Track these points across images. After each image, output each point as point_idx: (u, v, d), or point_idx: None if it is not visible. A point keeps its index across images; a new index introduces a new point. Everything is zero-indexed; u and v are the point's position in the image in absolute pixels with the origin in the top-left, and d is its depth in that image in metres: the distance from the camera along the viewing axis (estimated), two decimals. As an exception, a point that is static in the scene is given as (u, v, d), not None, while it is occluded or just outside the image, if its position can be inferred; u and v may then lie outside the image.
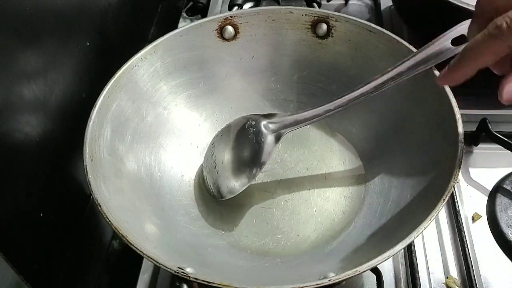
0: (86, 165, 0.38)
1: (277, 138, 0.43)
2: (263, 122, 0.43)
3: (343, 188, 0.46)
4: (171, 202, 0.46)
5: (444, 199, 0.35)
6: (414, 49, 0.45)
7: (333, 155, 0.49)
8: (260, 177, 0.46)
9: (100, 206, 0.35)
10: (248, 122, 0.44)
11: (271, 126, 0.43)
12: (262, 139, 0.43)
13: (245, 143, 0.44)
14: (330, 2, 0.74)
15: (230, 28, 0.50)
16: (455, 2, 0.49)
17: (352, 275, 0.31)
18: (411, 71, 0.40)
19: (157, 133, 0.48)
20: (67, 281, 0.44)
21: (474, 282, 0.42)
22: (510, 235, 0.46)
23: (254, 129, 0.43)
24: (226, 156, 0.44)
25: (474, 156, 0.54)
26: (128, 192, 0.42)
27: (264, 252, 0.43)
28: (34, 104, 0.40)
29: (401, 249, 0.32)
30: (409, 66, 0.40)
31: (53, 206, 0.43)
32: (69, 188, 0.47)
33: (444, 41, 0.38)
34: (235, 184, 0.43)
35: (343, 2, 0.75)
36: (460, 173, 0.37)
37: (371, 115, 0.49)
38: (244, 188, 0.43)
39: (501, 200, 0.48)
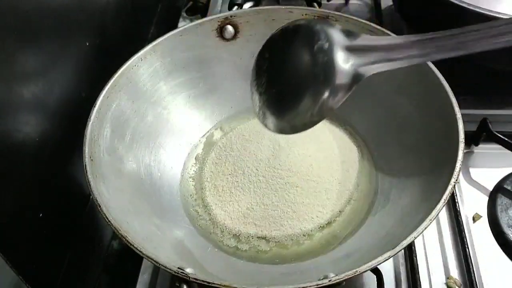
0: (85, 165, 0.38)
1: (355, 80, 0.30)
2: (341, 53, 0.30)
3: (344, 189, 0.46)
4: (171, 202, 0.46)
5: (444, 200, 0.35)
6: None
7: (335, 157, 0.49)
8: (262, 174, 0.46)
9: (100, 206, 0.35)
10: (320, 43, 0.30)
11: (352, 59, 0.30)
12: (334, 78, 0.30)
13: (307, 78, 0.31)
14: (330, 2, 0.74)
15: (230, 28, 0.50)
16: (456, 1, 0.49)
17: (352, 275, 0.31)
18: None
19: (157, 133, 0.48)
20: (66, 281, 0.44)
21: (474, 282, 0.42)
22: (511, 235, 0.46)
23: (326, 58, 0.30)
24: (278, 85, 0.33)
25: (474, 156, 0.54)
26: (127, 192, 0.42)
27: (264, 252, 0.43)
28: (33, 104, 0.40)
29: (401, 250, 0.32)
30: None
31: (53, 207, 0.43)
32: (68, 188, 0.47)
33: None
34: (284, 125, 0.34)
35: (343, 1, 0.75)
36: (460, 173, 0.37)
37: (372, 115, 0.49)
38: (292, 133, 0.35)
39: (501, 200, 0.48)
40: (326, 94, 0.30)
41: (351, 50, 0.30)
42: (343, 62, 0.30)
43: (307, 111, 0.32)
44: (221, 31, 0.50)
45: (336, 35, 0.30)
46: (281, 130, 0.34)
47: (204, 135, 0.52)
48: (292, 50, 0.32)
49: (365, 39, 0.30)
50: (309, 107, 0.31)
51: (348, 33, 0.31)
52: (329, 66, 0.30)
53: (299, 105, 0.32)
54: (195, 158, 0.50)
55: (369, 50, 0.30)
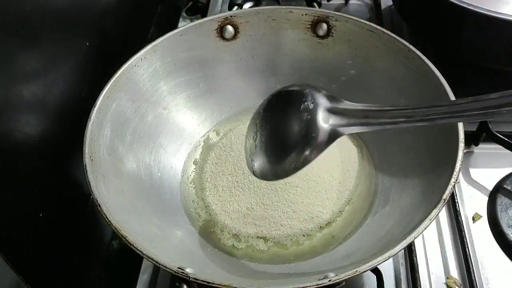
0: (85, 165, 0.38)
1: (332, 138, 0.34)
2: (323, 114, 0.34)
3: (344, 189, 0.46)
4: (171, 202, 0.46)
5: (444, 199, 0.35)
6: (414, 49, 0.44)
7: (335, 157, 0.49)
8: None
9: (100, 206, 0.35)
10: (306, 104, 0.35)
11: (331, 120, 0.34)
12: (314, 135, 0.34)
13: (291, 131, 0.36)
14: (330, 2, 0.74)
15: (230, 28, 0.50)
16: (456, 2, 0.49)
17: (352, 275, 0.31)
18: None
19: (157, 133, 0.48)
20: (66, 281, 0.44)
21: (474, 282, 0.42)
22: (511, 235, 0.46)
23: (309, 117, 0.34)
24: (267, 136, 0.38)
25: (474, 156, 0.54)
26: (127, 192, 0.42)
27: (262, 251, 0.43)
28: (33, 104, 0.40)
29: (401, 249, 0.32)
30: None
31: (53, 206, 0.43)
32: (68, 188, 0.47)
33: None
34: (268, 172, 0.37)
35: (343, 1, 0.75)
36: (460, 173, 0.37)
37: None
38: (276, 180, 0.39)
39: (501, 200, 0.48)
40: (307, 146, 0.35)
41: (332, 112, 0.35)
42: (323, 121, 0.34)
43: (289, 160, 0.36)
44: (221, 31, 0.50)
45: (321, 98, 0.35)
46: (265, 177, 0.38)
47: (204, 135, 0.52)
48: (282, 107, 0.37)
49: (345, 104, 0.35)
50: (292, 157, 0.35)
51: (332, 98, 0.35)
52: (311, 123, 0.34)
53: (283, 155, 0.36)
54: (195, 159, 0.50)
55: (347, 113, 0.34)
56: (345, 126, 0.34)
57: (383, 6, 0.72)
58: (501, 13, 0.47)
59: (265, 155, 0.37)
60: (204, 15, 0.74)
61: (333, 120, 0.34)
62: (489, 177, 0.51)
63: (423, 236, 0.47)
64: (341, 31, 0.49)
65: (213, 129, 0.52)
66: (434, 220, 0.34)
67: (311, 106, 0.35)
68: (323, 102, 0.35)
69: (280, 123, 0.37)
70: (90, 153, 0.39)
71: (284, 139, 0.36)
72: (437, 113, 0.32)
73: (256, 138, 0.38)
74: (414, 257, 0.44)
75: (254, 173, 0.38)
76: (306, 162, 0.35)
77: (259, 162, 0.37)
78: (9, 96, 0.37)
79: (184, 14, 0.76)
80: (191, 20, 0.75)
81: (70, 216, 0.47)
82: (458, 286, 0.44)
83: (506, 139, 0.50)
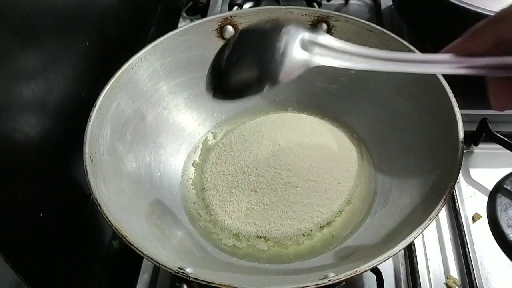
0: (86, 165, 0.38)
1: (305, 65, 0.34)
2: (301, 41, 0.34)
3: (343, 189, 0.46)
4: (171, 202, 0.46)
5: (444, 199, 0.35)
6: (414, 49, 0.45)
7: (335, 157, 0.49)
8: (262, 174, 0.46)
9: (100, 206, 0.35)
10: (288, 27, 0.35)
11: (308, 47, 0.34)
12: (288, 57, 0.34)
13: (266, 53, 0.34)
14: (330, 2, 0.74)
15: (230, 28, 0.50)
16: (456, 2, 0.49)
17: (352, 275, 0.31)
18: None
19: (157, 133, 0.48)
20: (67, 281, 0.44)
21: (474, 282, 0.42)
22: (511, 235, 0.46)
23: (287, 40, 0.34)
24: (238, 55, 0.36)
25: (474, 156, 0.54)
26: (128, 192, 0.42)
27: (262, 251, 0.43)
28: (33, 104, 0.40)
29: (401, 249, 0.32)
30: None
31: (53, 206, 0.43)
32: (69, 188, 0.47)
33: None
34: (229, 91, 0.35)
35: (343, 1, 0.75)
36: (460, 173, 0.37)
37: (372, 115, 0.49)
38: (235, 100, 0.36)
39: (501, 200, 0.48)
40: (279, 69, 0.34)
41: (310, 41, 0.34)
42: (301, 46, 0.34)
43: (257, 81, 0.34)
44: (221, 31, 0.50)
45: (302, 28, 0.35)
46: (224, 96, 0.36)
47: (204, 136, 0.52)
48: (261, 29, 0.36)
49: (324, 38, 0.35)
50: (260, 78, 0.34)
51: (312, 30, 0.35)
52: (288, 47, 0.34)
53: (253, 74, 0.35)
54: (195, 159, 0.50)
55: (324, 46, 0.35)
56: (320, 55, 0.34)
57: (383, 6, 0.72)
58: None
59: (233, 73, 0.35)
60: (204, 15, 0.74)
61: (310, 49, 0.34)
62: (489, 177, 0.51)
63: (423, 236, 0.47)
64: (341, 31, 0.49)
65: (212, 130, 0.52)
66: (434, 220, 0.34)
67: (290, 31, 0.34)
68: (303, 31, 0.35)
69: (255, 45, 0.35)
70: (90, 153, 0.39)
71: (256, 58, 0.35)
72: (409, 60, 0.33)
73: (226, 55, 0.36)
74: (414, 257, 0.44)
75: (213, 96, 0.36)
76: (274, 84, 0.34)
77: (225, 79, 0.35)
78: (9, 96, 0.37)
79: (184, 14, 0.76)
80: (191, 20, 0.75)
81: (70, 216, 0.47)
82: (458, 286, 0.44)
83: (506, 139, 0.50)
